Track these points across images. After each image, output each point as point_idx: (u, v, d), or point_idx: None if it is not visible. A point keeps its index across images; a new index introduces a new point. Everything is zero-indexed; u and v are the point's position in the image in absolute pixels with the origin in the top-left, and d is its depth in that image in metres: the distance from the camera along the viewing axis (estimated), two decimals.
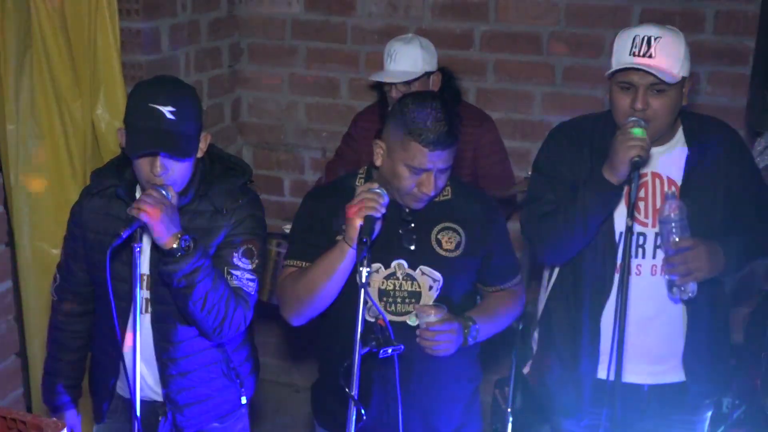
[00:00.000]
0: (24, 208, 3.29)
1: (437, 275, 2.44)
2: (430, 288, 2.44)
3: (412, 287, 2.44)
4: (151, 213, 2.22)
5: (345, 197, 2.34)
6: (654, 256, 2.53)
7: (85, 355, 2.71)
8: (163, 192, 2.30)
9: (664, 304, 2.54)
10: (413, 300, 2.44)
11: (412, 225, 2.44)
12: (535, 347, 2.82)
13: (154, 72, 3.64)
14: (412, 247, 2.43)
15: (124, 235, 2.21)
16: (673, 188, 2.49)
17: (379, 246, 2.34)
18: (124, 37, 3.48)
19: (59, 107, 3.29)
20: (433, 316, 2.36)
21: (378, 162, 2.42)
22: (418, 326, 2.40)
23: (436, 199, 2.48)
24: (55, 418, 1.93)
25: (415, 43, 3.43)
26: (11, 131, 3.21)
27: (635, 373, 2.58)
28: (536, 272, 3.35)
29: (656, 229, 2.51)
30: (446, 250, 2.45)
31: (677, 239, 2.41)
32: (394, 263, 2.44)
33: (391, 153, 2.37)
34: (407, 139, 2.30)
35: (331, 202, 2.45)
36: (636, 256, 2.52)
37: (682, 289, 2.44)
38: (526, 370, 2.87)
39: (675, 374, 2.61)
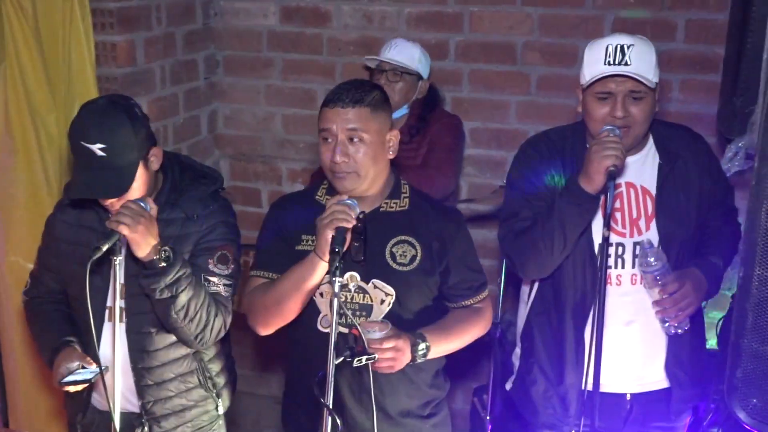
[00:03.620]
0: None
1: (389, 289, 2.39)
2: (382, 302, 2.39)
3: (363, 300, 2.40)
4: (130, 226, 2.21)
5: (310, 206, 2.34)
6: (633, 266, 2.54)
7: (71, 324, 2.56)
8: (142, 204, 2.29)
9: (645, 312, 2.55)
10: (364, 313, 2.39)
11: (362, 237, 2.34)
12: (516, 363, 2.81)
13: (130, 85, 3.63)
14: (361, 259, 2.34)
15: (104, 248, 2.19)
16: (648, 237, 2.50)
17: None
18: (99, 51, 3.47)
19: (34, 121, 3.27)
20: (377, 333, 2.27)
21: None
22: None
23: (393, 209, 2.44)
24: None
25: (417, 45, 3.58)
26: None
27: (618, 383, 2.59)
28: (512, 279, 3.37)
29: (634, 239, 2.53)
30: (399, 264, 2.40)
31: (663, 285, 2.45)
32: (346, 275, 2.38)
33: None
34: None
35: (297, 210, 2.43)
36: (615, 266, 2.53)
37: (676, 325, 2.50)
38: (508, 386, 2.86)
39: (658, 382, 2.63)
